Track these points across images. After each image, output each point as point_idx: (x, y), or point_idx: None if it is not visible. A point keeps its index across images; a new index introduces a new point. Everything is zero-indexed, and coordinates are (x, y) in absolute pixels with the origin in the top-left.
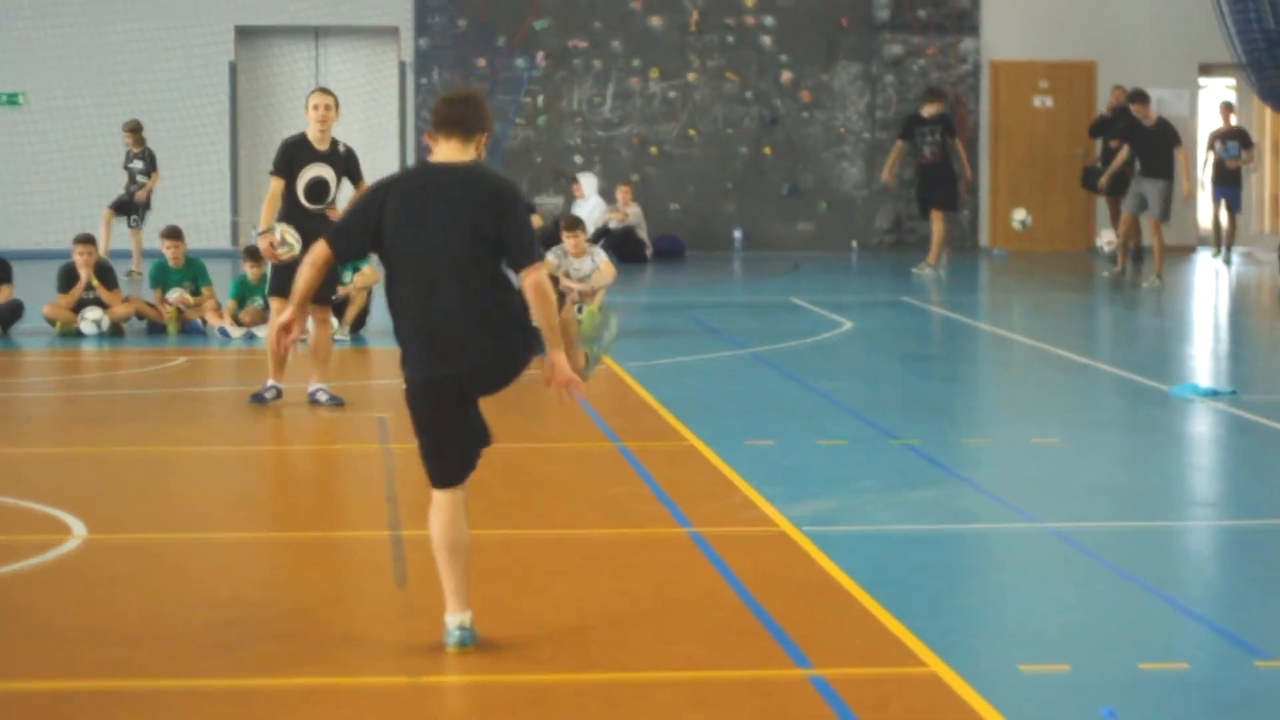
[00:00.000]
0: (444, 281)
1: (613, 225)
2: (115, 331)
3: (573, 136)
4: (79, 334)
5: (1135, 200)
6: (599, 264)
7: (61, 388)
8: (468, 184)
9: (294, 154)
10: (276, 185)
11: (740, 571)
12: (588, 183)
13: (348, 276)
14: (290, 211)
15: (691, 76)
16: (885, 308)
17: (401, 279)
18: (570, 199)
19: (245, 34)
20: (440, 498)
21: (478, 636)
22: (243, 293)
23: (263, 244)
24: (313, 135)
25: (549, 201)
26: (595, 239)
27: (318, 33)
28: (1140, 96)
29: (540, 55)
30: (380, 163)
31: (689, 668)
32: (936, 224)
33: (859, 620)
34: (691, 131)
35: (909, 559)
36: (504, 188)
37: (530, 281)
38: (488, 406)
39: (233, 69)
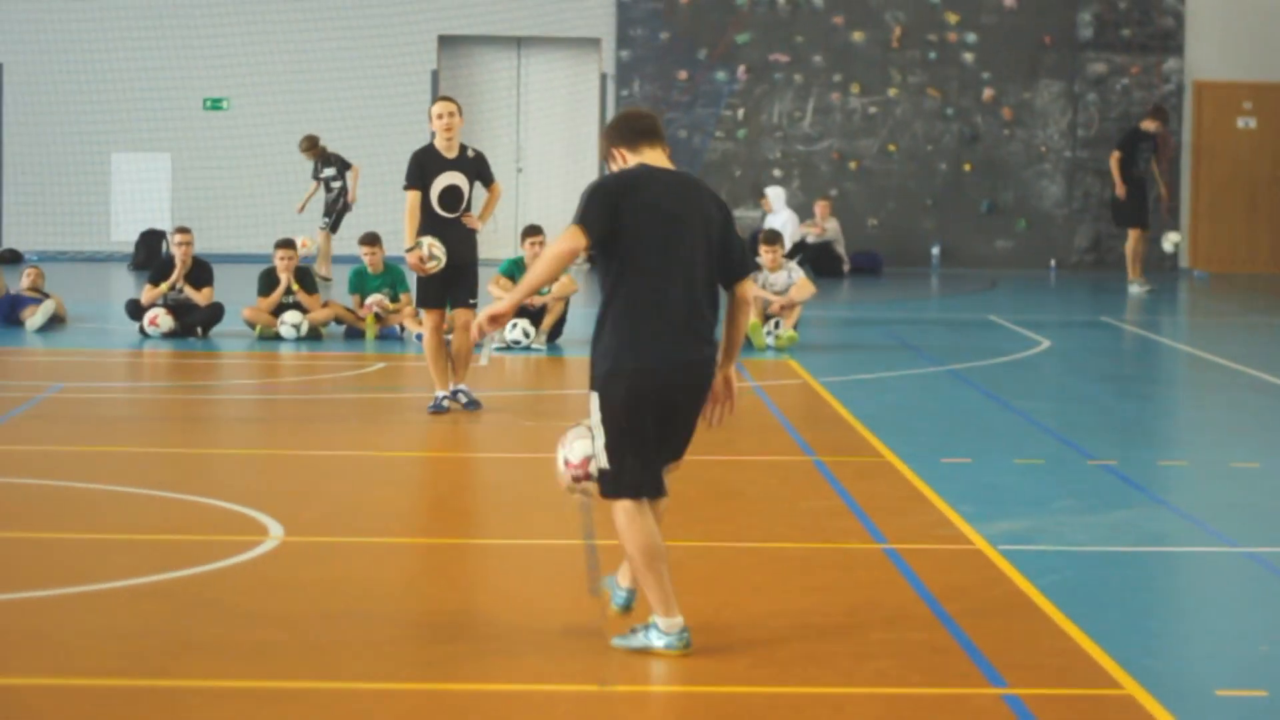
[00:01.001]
0: (688, 284)
1: (810, 239)
2: (314, 335)
3: (772, 150)
4: (278, 337)
5: None
6: (795, 279)
7: (260, 390)
8: (700, 191)
9: (425, 165)
10: (413, 198)
11: (934, 588)
12: (776, 197)
13: (545, 288)
14: (428, 221)
15: (892, 92)
16: (1084, 327)
17: (647, 278)
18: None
19: (448, 43)
20: (638, 507)
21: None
22: (361, 285)
23: (411, 259)
24: (440, 144)
25: (748, 215)
26: (791, 254)
27: (520, 42)
28: None
29: (741, 69)
30: (580, 173)
31: (882, 684)
32: (1141, 242)
33: (1054, 640)
34: (891, 147)
35: (1105, 580)
36: (719, 198)
37: (748, 292)
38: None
39: (434, 77)
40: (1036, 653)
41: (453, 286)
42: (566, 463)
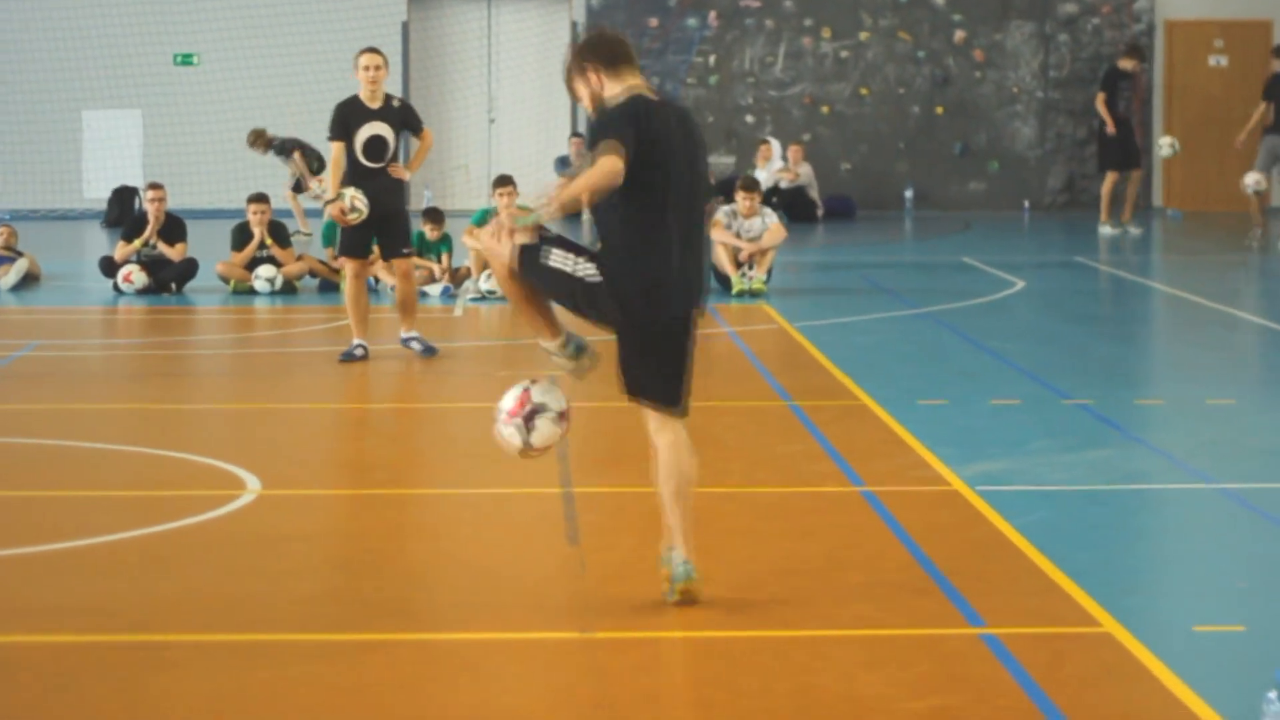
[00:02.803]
0: (696, 216)
1: (783, 185)
2: (288, 289)
3: (744, 96)
4: (252, 291)
5: (1266, 156)
6: (769, 225)
7: (235, 345)
8: (693, 122)
9: (347, 116)
10: (337, 149)
11: (912, 530)
12: (777, 147)
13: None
14: (353, 171)
15: (863, 36)
16: (1058, 268)
17: (664, 211)
18: (741, 159)
19: None
20: (682, 431)
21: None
22: (334, 238)
23: (333, 211)
24: (364, 95)
25: (721, 161)
26: (765, 199)
27: None
28: (1278, 50)
29: (712, 14)
30: (552, 122)
31: (862, 626)
32: (1136, 183)
33: (1032, 579)
34: (863, 91)
35: (1082, 518)
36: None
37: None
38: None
39: (405, 29)
40: (1014, 593)
41: (383, 236)
42: (507, 414)
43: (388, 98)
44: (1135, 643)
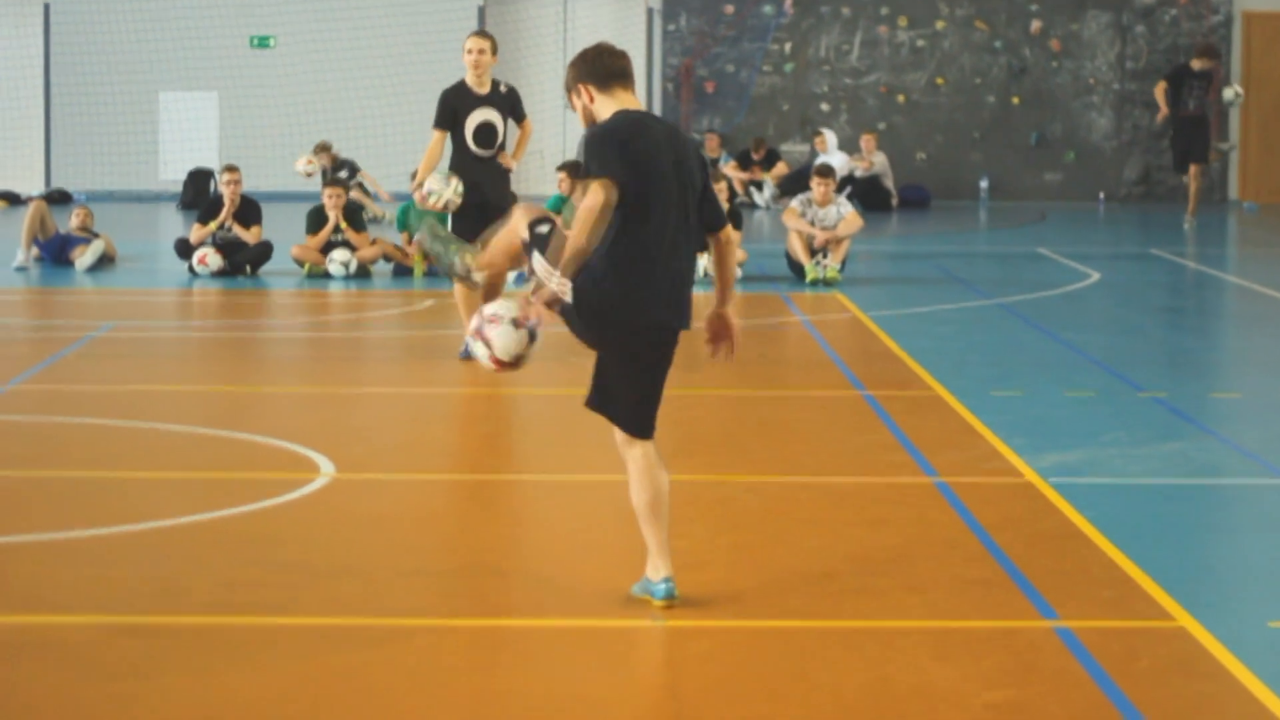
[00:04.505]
0: (683, 233)
1: (858, 174)
2: (362, 273)
3: (819, 84)
4: (326, 275)
5: None
6: (845, 214)
7: (310, 329)
8: (686, 141)
9: (455, 103)
10: (438, 138)
11: (986, 521)
12: (831, 138)
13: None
14: (461, 160)
15: (940, 25)
16: (1133, 260)
17: (648, 225)
18: (815, 148)
19: None
20: (650, 452)
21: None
22: (409, 222)
23: (417, 197)
24: (471, 81)
25: (796, 149)
26: (840, 188)
27: None
28: None
29: (788, 2)
30: None
31: (934, 617)
32: (1196, 179)
33: (1105, 572)
34: (939, 80)
35: (1156, 512)
36: (700, 150)
37: (730, 234)
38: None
39: (481, 14)
40: (1088, 585)
41: (490, 227)
42: (470, 334)
43: (495, 83)
44: (1210, 638)
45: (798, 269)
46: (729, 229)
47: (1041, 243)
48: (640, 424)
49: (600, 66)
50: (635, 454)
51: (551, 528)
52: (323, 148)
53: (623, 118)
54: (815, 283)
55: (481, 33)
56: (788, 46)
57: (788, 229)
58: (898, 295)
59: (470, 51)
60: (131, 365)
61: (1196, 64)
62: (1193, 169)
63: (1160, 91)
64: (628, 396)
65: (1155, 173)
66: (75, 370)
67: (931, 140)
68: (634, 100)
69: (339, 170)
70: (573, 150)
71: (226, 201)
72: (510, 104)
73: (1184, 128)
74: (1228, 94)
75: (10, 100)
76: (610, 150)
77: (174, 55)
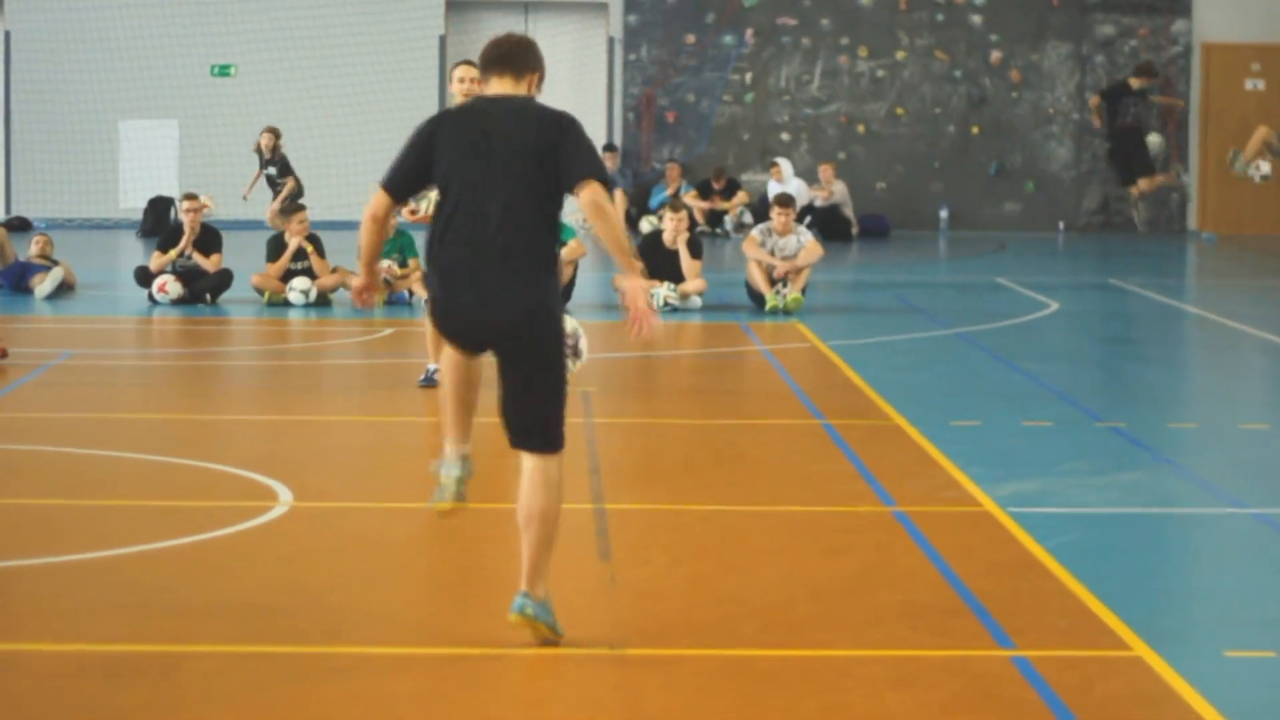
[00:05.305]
0: (498, 219)
1: (818, 203)
2: (322, 302)
3: (780, 114)
4: (286, 304)
5: None
6: (804, 243)
7: (269, 357)
8: (526, 110)
9: None
10: None
11: (944, 551)
12: (786, 167)
13: None
14: None
15: (900, 55)
16: (1092, 290)
17: (454, 213)
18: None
19: (456, 7)
20: (536, 459)
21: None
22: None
23: (405, 214)
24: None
25: (756, 179)
26: (800, 218)
27: (527, 7)
28: None
29: (749, 32)
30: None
31: (892, 646)
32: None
33: (1063, 602)
34: (899, 110)
35: (1113, 541)
36: (563, 113)
37: (587, 196)
38: (692, 377)
39: (442, 43)
40: (1045, 614)
41: None
42: None
43: None
44: (1166, 667)
45: (757, 298)
46: (590, 187)
47: (1001, 272)
48: (511, 426)
49: (482, 57)
50: (524, 467)
51: (509, 556)
52: (270, 131)
53: (444, 111)
54: (775, 311)
55: (471, 62)
56: (748, 76)
57: (747, 258)
58: (857, 325)
59: (462, 80)
60: (90, 393)
61: (1135, 82)
62: (1143, 183)
63: (1095, 105)
64: (502, 395)
65: (1114, 202)
66: (34, 398)
67: (891, 170)
68: (504, 85)
69: (271, 165)
70: None
71: (186, 229)
72: None
73: (1122, 139)
74: (1153, 141)
75: None
76: (398, 156)
77: (135, 83)
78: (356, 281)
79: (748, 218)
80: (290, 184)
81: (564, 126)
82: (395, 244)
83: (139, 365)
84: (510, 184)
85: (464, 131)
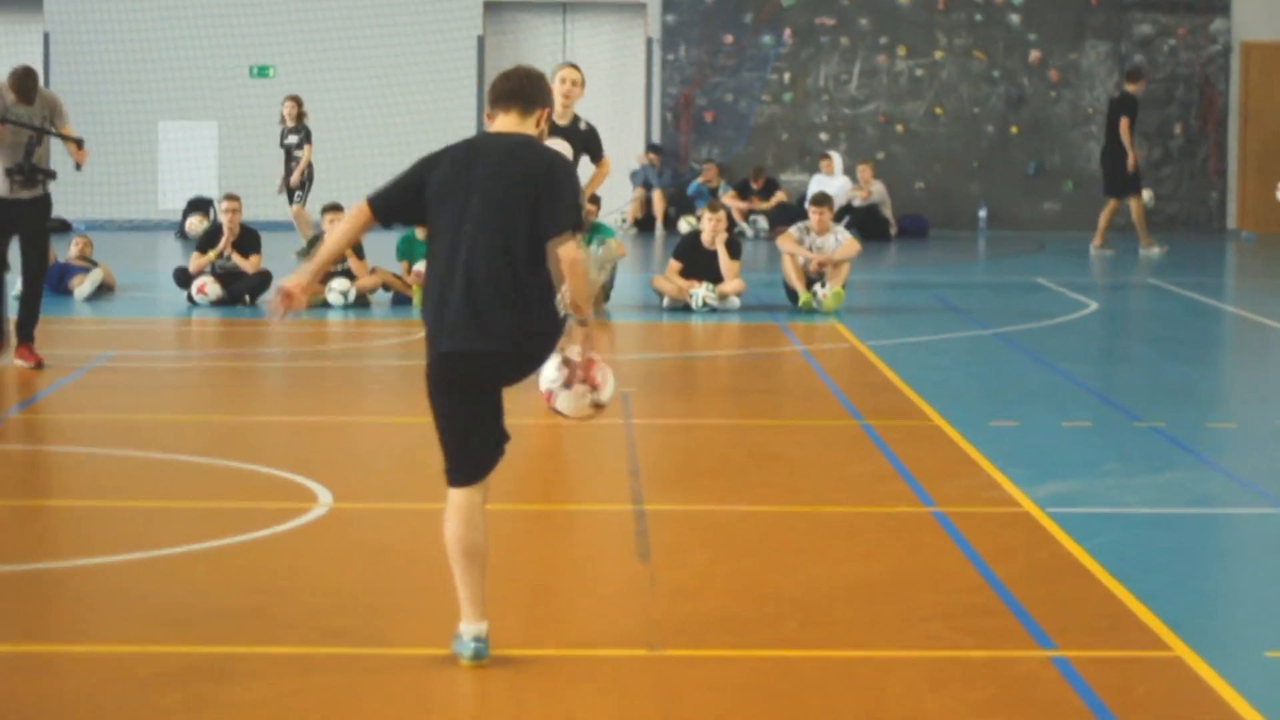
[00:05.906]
0: (481, 253)
1: (856, 203)
2: (361, 303)
3: (819, 114)
4: (325, 305)
5: None
6: (842, 241)
7: (308, 358)
8: (517, 150)
9: None
10: None
11: (983, 551)
12: (838, 160)
13: (595, 249)
14: None
15: (938, 55)
16: (1131, 289)
17: (439, 247)
18: (814, 174)
19: (494, 8)
20: (456, 497)
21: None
22: (409, 251)
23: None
24: (555, 111)
25: (794, 179)
26: (838, 217)
27: (565, 7)
28: None
29: (787, 32)
30: (625, 138)
31: (930, 646)
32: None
33: (1102, 602)
34: (938, 110)
35: (1153, 542)
36: (557, 158)
37: (562, 252)
38: (730, 377)
39: (480, 43)
40: (1085, 615)
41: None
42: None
43: (576, 118)
44: (1206, 668)
45: (793, 295)
46: (565, 245)
47: (1040, 272)
48: (451, 465)
49: (491, 91)
50: (450, 496)
51: (548, 557)
52: (293, 99)
53: (447, 147)
54: (808, 308)
55: (574, 64)
56: (787, 76)
57: (782, 253)
58: (896, 325)
59: (564, 81)
60: (130, 395)
61: (1133, 87)
62: (1112, 202)
63: (1127, 128)
64: (440, 430)
65: (1152, 202)
66: (73, 399)
67: (930, 170)
68: (510, 122)
69: (293, 134)
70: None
71: (226, 230)
72: (586, 141)
73: (1123, 155)
74: (1146, 197)
75: None
76: (395, 179)
77: (174, 84)
78: (287, 280)
79: (762, 224)
80: (308, 152)
81: (552, 174)
82: (407, 249)
83: (178, 366)
84: (499, 221)
85: (455, 167)
